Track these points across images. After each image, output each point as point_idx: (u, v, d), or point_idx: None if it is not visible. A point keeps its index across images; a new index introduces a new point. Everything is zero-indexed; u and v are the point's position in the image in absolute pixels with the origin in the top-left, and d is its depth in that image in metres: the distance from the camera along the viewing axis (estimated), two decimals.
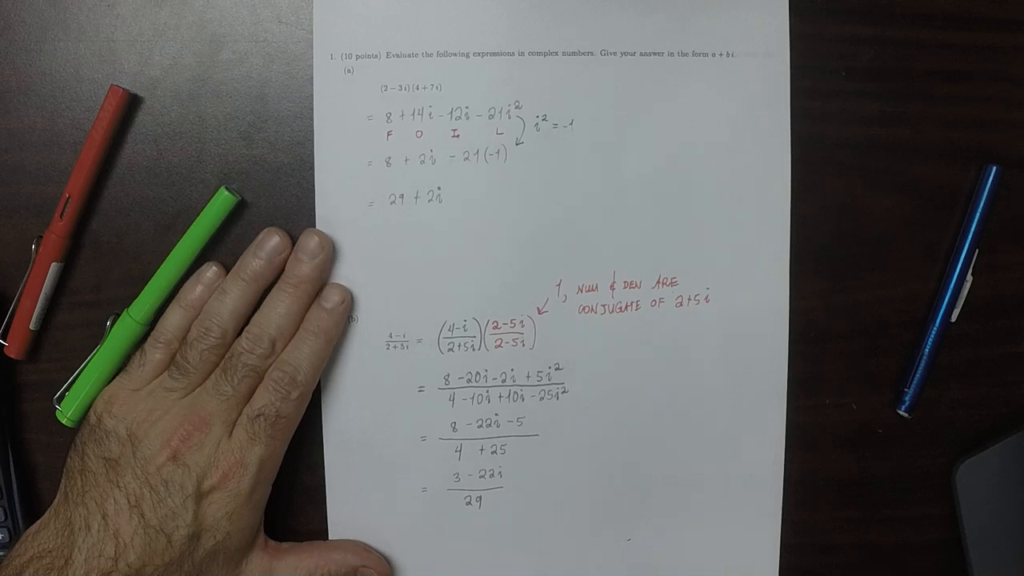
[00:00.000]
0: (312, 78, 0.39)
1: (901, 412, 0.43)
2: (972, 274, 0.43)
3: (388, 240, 0.40)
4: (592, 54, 0.40)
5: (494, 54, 0.40)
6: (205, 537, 0.36)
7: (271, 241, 0.38)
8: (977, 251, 0.43)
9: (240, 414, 0.37)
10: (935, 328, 0.43)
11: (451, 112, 0.40)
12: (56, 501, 0.37)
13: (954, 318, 0.43)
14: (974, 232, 0.42)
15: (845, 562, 0.44)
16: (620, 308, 0.42)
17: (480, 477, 0.42)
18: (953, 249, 0.43)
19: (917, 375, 0.43)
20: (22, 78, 0.39)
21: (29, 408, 0.41)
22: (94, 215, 0.40)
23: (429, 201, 0.40)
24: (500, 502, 0.42)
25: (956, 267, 0.42)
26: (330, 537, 0.41)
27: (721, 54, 0.41)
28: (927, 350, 0.43)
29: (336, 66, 0.39)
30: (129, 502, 0.36)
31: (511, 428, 0.42)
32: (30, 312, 0.39)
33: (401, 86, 0.39)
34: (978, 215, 0.42)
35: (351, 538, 0.42)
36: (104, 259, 0.40)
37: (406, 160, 0.40)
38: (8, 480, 0.40)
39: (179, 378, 0.37)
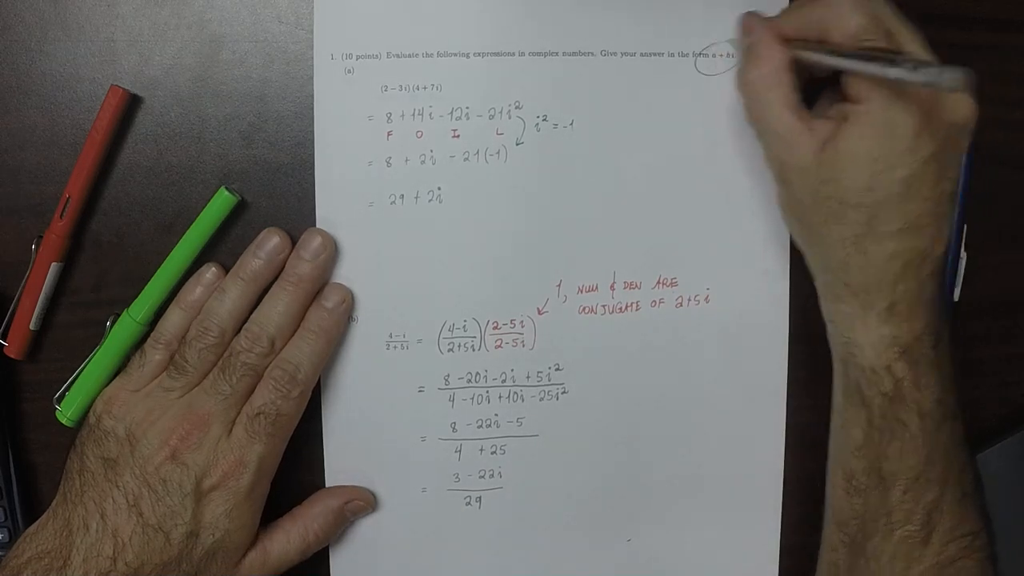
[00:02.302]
0: (312, 78, 0.39)
1: None
2: (965, 249, 0.42)
3: (388, 240, 0.40)
4: (592, 54, 0.40)
5: (494, 54, 0.40)
6: (204, 535, 0.36)
7: (271, 241, 0.38)
8: (966, 226, 0.42)
9: (239, 413, 0.37)
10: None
11: (451, 112, 0.40)
12: (55, 501, 0.37)
13: (956, 296, 0.43)
14: (960, 204, 0.42)
15: None
16: (620, 308, 0.42)
17: (480, 477, 0.42)
18: None
19: None
20: (22, 78, 0.39)
21: (29, 408, 0.41)
22: (94, 215, 0.40)
23: (429, 201, 0.40)
24: (500, 502, 0.42)
25: (950, 242, 0.42)
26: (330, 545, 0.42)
27: (721, 54, 0.41)
28: None
29: (336, 66, 0.39)
30: (128, 501, 0.36)
31: (511, 428, 0.42)
32: (30, 312, 0.39)
33: (401, 86, 0.39)
34: (961, 187, 0.42)
35: (350, 538, 0.42)
36: (104, 259, 0.40)
37: (406, 160, 0.40)
38: (8, 480, 0.40)
39: (177, 377, 0.37)
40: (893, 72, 0.31)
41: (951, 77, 0.29)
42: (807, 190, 0.36)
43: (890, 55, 0.33)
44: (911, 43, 0.35)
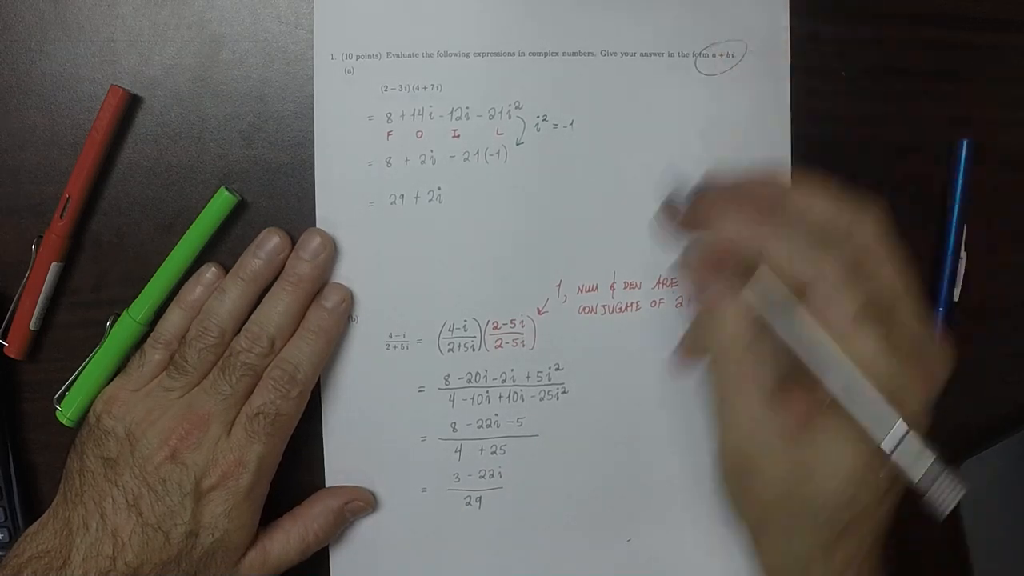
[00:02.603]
0: (312, 78, 0.39)
1: None
2: (965, 249, 0.43)
3: (388, 240, 0.40)
4: (592, 54, 0.40)
5: (494, 54, 0.40)
6: (203, 535, 0.36)
7: (271, 241, 0.38)
8: (966, 226, 0.42)
9: (239, 413, 0.37)
10: (940, 309, 0.43)
11: (451, 112, 0.40)
12: (55, 501, 0.37)
13: (956, 296, 0.43)
14: (959, 204, 0.42)
15: None
16: (620, 308, 0.42)
17: (480, 477, 0.42)
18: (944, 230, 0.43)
19: None
20: (22, 78, 0.39)
21: (29, 408, 0.41)
22: (94, 215, 0.40)
23: (429, 201, 0.40)
24: (500, 502, 0.42)
25: (949, 242, 0.42)
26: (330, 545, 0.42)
27: (721, 54, 0.41)
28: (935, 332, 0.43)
29: (336, 66, 0.39)
30: (127, 501, 0.36)
31: (511, 428, 0.42)
32: (30, 312, 0.39)
33: (401, 86, 0.39)
34: (959, 187, 0.42)
35: (350, 538, 0.42)
36: (104, 259, 0.40)
37: (406, 160, 0.40)
38: (8, 480, 0.40)
39: (177, 377, 0.37)
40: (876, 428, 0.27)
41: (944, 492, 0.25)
42: (770, 492, 0.31)
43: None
44: (910, 317, 0.30)
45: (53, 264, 0.39)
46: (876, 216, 0.31)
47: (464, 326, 0.41)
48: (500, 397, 0.42)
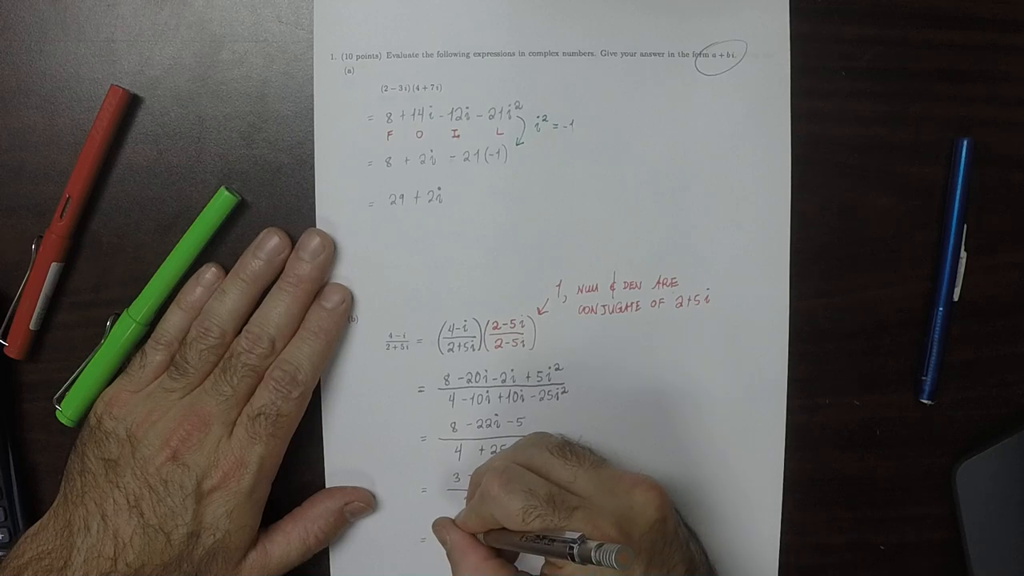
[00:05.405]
0: (312, 78, 0.39)
1: (924, 400, 0.43)
2: (965, 249, 0.43)
3: (388, 240, 0.40)
4: (592, 54, 0.40)
5: (494, 54, 0.40)
6: (204, 536, 0.36)
7: (271, 241, 0.38)
8: (966, 226, 0.42)
9: (240, 413, 0.37)
10: (940, 310, 0.43)
11: (451, 112, 0.40)
12: (56, 502, 0.37)
13: (956, 296, 0.43)
14: (959, 204, 0.42)
15: (844, 562, 0.44)
16: (620, 308, 0.42)
17: None
18: (944, 230, 0.43)
19: (932, 360, 0.43)
20: (22, 78, 0.39)
21: (29, 408, 0.41)
22: (94, 215, 0.40)
23: (429, 201, 0.40)
24: None
25: (949, 242, 0.42)
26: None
27: (721, 55, 0.41)
28: (936, 335, 0.43)
29: (336, 66, 0.39)
30: (128, 502, 0.36)
31: (511, 428, 0.42)
32: (30, 312, 0.39)
33: (401, 86, 0.39)
34: (959, 187, 0.42)
35: (350, 538, 0.42)
36: (104, 259, 0.40)
37: (406, 160, 0.40)
38: (8, 480, 0.40)
39: (178, 378, 0.37)
40: (560, 558, 0.31)
41: (608, 552, 0.29)
42: None
43: (556, 537, 0.32)
44: (583, 489, 0.34)
45: (53, 264, 0.39)
46: None
47: (464, 326, 0.41)
48: (500, 397, 0.42)
